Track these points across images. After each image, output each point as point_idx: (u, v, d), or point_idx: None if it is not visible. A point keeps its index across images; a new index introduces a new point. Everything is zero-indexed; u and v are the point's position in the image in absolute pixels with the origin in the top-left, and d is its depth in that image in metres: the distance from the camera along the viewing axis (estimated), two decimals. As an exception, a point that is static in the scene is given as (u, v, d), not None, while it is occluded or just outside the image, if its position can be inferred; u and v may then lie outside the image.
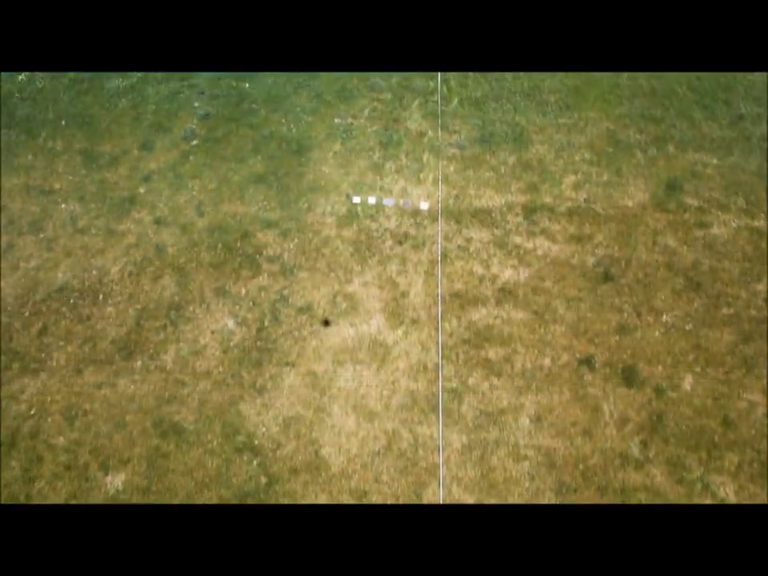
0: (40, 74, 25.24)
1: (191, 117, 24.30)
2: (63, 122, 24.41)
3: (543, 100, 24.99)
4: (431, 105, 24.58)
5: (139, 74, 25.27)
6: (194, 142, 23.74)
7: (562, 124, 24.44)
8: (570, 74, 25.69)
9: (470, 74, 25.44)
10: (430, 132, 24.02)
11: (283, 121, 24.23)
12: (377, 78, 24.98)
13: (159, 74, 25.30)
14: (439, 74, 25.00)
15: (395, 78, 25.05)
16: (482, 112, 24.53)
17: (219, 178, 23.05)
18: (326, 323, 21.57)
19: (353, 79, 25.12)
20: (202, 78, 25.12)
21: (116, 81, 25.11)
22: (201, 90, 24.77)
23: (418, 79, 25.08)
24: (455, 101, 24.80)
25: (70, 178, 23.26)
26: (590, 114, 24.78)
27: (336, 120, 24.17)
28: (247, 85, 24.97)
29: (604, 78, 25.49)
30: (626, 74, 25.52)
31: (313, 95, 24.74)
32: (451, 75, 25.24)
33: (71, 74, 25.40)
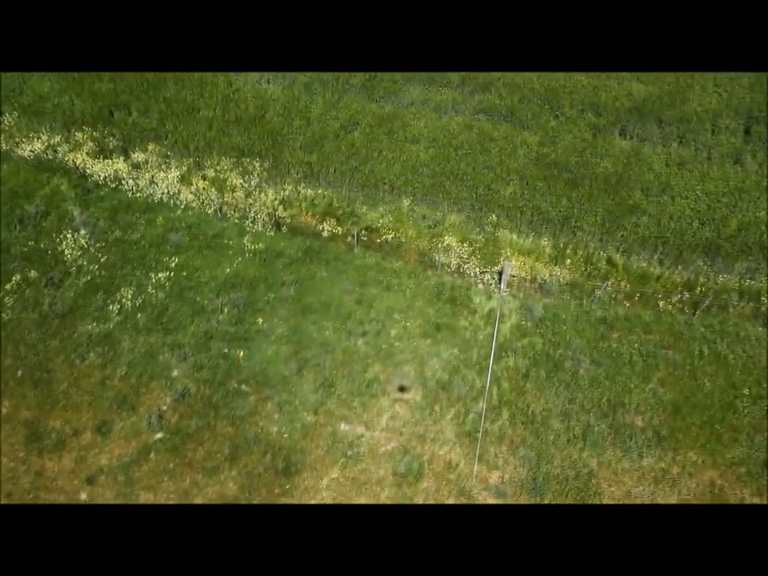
0: (7, 304, 20.86)
1: (164, 393, 19.54)
2: (20, 373, 19.91)
3: (626, 424, 18.58)
4: (472, 418, 18.59)
5: (118, 318, 20.49)
6: (159, 435, 18.78)
7: (647, 470, 18.01)
8: (669, 384, 20.29)
9: (531, 374, 20.33)
10: (462, 464, 18.38)
11: (275, 416, 19.03)
12: (408, 365, 19.30)
13: (140, 322, 20.48)
14: (489, 373, 18.95)
15: (431, 371, 20.33)
16: (538, 438, 18.56)
17: (179, 495, 17.90)
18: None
19: (375, 364, 19.50)
20: (189, 335, 20.07)
21: (89, 326, 20.42)
22: (184, 354, 19.77)
23: (460, 373, 19.25)
24: (505, 414, 18.87)
25: (4, 460, 18.59)
26: (690, 454, 18.36)
27: (343, 426, 18.79)
28: (242, 353, 19.75)
29: (715, 390, 18.99)
30: (748, 383, 19.72)
31: (320, 381, 19.33)
32: (506, 374, 20.22)
33: (44, 308, 21.10)
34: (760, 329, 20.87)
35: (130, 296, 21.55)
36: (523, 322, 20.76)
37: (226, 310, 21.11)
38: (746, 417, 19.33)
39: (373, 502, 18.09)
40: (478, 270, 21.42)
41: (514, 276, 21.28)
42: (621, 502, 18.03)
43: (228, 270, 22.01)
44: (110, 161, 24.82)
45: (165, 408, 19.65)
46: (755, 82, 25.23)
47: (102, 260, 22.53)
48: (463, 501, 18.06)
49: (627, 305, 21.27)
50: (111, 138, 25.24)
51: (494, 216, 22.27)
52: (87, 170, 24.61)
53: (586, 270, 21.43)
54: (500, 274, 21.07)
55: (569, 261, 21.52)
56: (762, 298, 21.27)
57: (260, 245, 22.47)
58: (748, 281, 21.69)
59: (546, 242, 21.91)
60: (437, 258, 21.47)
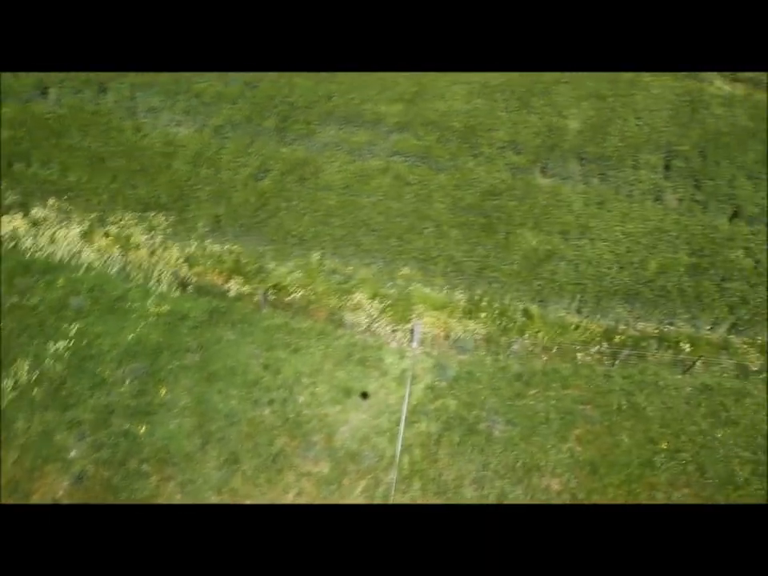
0: None
1: (60, 477, 18.85)
2: None
3: (542, 488, 18.49)
4: (382, 491, 18.24)
5: (13, 395, 19.85)
6: (54, 524, 17.74)
7: (563, 538, 17.46)
8: (587, 442, 19.91)
9: (444, 439, 19.81)
10: (371, 542, 17.39)
11: (178, 497, 18.44)
12: (316, 436, 18.74)
13: (36, 398, 19.73)
14: (400, 441, 18.44)
15: (340, 441, 19.80)
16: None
17: (74, 591, 16.97)
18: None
19: (281, 436, 18.99)
20: (88, 411, 19.37)
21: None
22: (82, 432, 19.09)
23: (370, 441, 18.79)
24: (416, 484, 18.50)
25: None
26: None
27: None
28: (143, 429, 18.99)
29: (633, 447, 19.45)
30: (666, 436, 19.74)
31: (224, 457, 18.89)
32: (418, 440, 19.78)
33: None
34: (679, 376, 20.59)
35: (26, 369, 20.64)
36: (437, 382, 20.25)
37: (127, 381, 20.40)
38: (663, 473, 19.12)
39: None
40: (389, 327, 20.81)
41: (427, 332, 20.72)
42: None
43: (131, 336, 21.23)
44: (8, 217, 23.71)
45: (60, 494, 18.90)
46: (675, 114, 24.89)
47: (-3, 330, 21.50)
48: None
49: (545, 358, 20.84)
50: (10, 192, 24.15)
51: (406, 269, 21.68)
52: (-17, 230, 23.48)
53: (501, 323, 20.94)
54: (412, 331, 20.51)
55: (484, 314, 21.08)
56: (681, 344, 20.94)
57: (164, 307, 21.72)
58: (667, 326, 21.36)
59: (461, 295, 21.38)
60: (347, 317, 20.81)
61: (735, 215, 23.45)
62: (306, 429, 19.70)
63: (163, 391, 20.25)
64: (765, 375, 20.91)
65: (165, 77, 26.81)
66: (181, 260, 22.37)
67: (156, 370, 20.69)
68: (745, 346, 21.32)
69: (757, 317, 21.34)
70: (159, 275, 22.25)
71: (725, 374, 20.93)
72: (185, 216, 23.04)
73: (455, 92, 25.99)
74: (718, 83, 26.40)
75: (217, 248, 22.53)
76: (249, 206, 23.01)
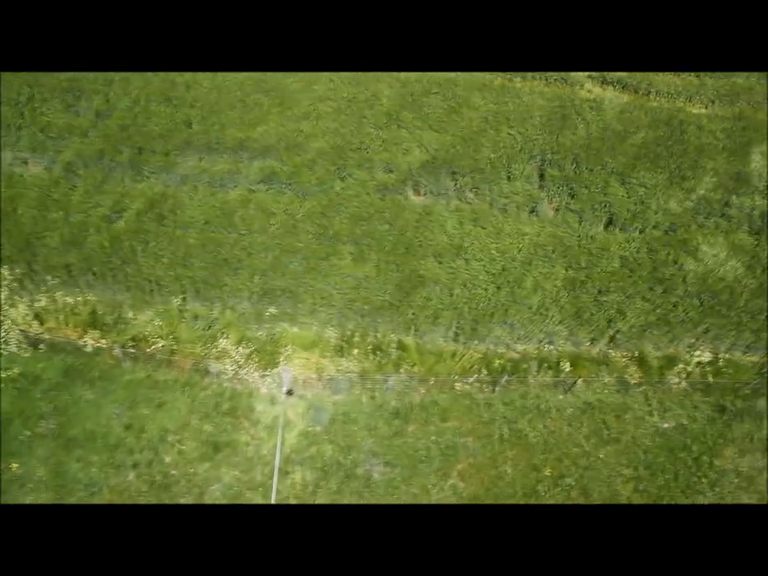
0: None
1: None
2: None
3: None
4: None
5: None
6: None
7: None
8: (469, 476, 20.25)
9: (321, 488, 19.91)
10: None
11: (35, 582, 17.17)
12: (185, 498, 18.14)
13: None
14: (274, 494, 18.04)
15: (210, 500, 19.55)
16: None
17: None
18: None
19: (148, 501, 18.22)
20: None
21: None
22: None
23: (242, 498, 18.36)
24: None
25: None
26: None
27: None
28: None
29: (517, 476, 19.53)
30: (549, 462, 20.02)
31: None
32: (293, 492, 19.94)
33: None
34: (561, 397, 20.84)
35: None
36: (311, 428, 19.96)
37: (-27, 461, 19.24)
38: (548, 501, 19.26)
39: None
40: (258, 373, 20.37)
41: (298, 375, 20.37)
42: None
43: (-24, 408, 20.07)
44: None
45: None
46: (547, 120, 25.07)
47: None
48: None
49: (423, 391, 20.80)
50: None
51: (273, 308, 21.23)
52: None
53: (375, 358, 20.76)
54: (282, 375, 20.11)
55: (357, 350, 20.84)
56: (561, 364, 21.19)
57: (14, 371, 20.81)
58: (547, 345, 21.54)
59: (332, 332, 21.06)
60: (213, 365, 20.25)
61: (610, 222, 23.71)
62: (175, 491, 19.22)
63: (15, 466, 19.39)
64: (644, 388, 21.28)
65: (5, 109, 25.37)
66: (30, 316, 21.37)
67: (6, 442, 19.71)
68: (624, 360, 21.70)
69: (634, 328, 21.65)
70: (6, 335, 21.17)
71: (606, 390, 21.29)
72: (32, 267, 21.95)
73: (321, 110, 25.51)
74: (588, 86, 26.68)
75: (69, 300, 21.63)
76: (102, 252, 22.16)
